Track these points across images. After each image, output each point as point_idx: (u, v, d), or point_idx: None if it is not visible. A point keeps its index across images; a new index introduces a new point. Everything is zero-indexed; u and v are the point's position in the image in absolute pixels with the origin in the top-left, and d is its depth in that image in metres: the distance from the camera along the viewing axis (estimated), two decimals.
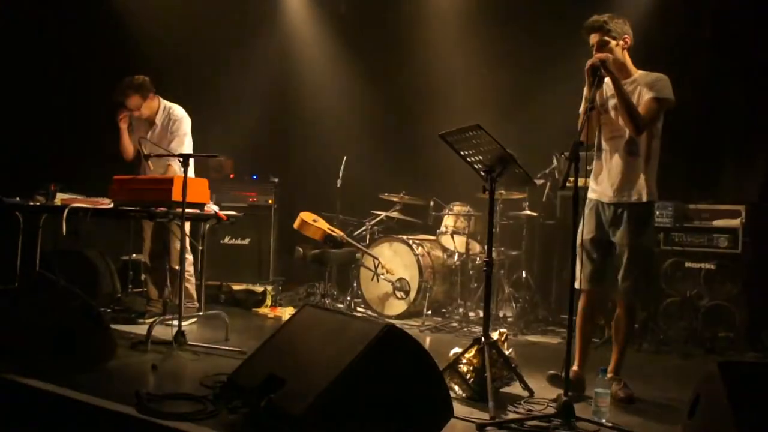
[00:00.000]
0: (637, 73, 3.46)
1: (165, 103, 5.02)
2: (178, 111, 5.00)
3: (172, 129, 4.94)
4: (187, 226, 4.85)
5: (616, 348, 3.55)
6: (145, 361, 3.73)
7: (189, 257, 4.92)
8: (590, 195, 3.54)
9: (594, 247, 3.53)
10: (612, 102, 3.47)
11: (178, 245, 4.65)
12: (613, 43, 3.40)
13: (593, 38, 3.42)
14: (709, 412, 2.17)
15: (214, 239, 6.07)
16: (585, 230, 3.45)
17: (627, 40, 3.44)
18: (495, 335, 3.48)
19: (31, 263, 4.82)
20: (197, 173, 5.02)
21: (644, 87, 3.39)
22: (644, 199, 3.43)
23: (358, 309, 5.93)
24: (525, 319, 5.43)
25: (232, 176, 6.71)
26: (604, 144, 3.53)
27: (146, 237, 5.13)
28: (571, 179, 2.99)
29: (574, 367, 3.46)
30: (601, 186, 3.53)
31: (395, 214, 6.25)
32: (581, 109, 3.45)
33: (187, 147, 4.93)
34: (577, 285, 3.53)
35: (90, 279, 5.41)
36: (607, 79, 3.40)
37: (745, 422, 1.98)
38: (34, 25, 6.37)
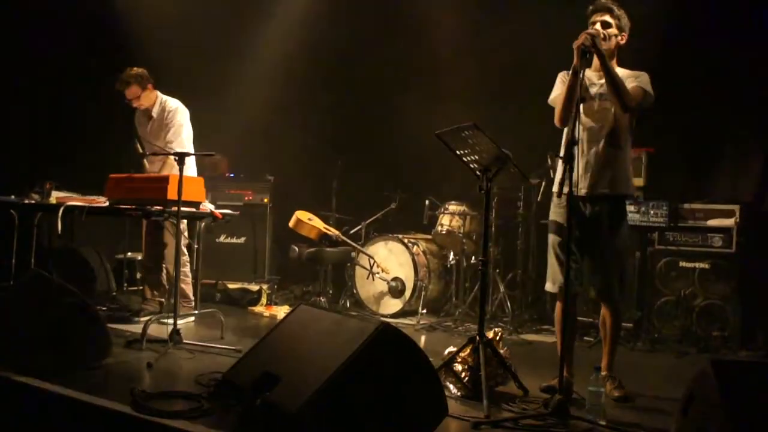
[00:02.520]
0: (619, 69, 3.41)
1: (162, 96, 5.10)
2: (172, 103, 5.07)
3: (166, 120, 5.01)
4: (183, 225, 4.85)
5: (605, 347, 3.56)
6: (140, 359, 3.72)
7: (184, 257, 4.92)
8: (564, 189, 3.15)
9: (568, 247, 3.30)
10: (594, 90, 3.43)
11: (172, 245, 4.66)
12: (615, 31, 3.37)
13: (598, 16, 3.38)
14: (702, 410, 2.18)
15: (209, 238, 6.07)
16: (557, 231, 3.42)
17: (624, 36, 3.43)
18: (490, 334, 3.49)
19: (26, 261, 4.82)
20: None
21: (627, 78, 3.36)
22: (622, 191, 3.40)
23: (353, 308, 5.94)
24: (520, 319, 5.45)
25: (229, 174, 6.71)
26: (580, 134, 3.38)
27: (144, 236, 5.14)
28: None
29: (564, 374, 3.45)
30: (574, 178, 3.27)
31: (391, 213, 6.26)
32: (559, 96, 3.38)
33: (185, 137, 5.00)
34: (551, 288, 3.52)
35: (86, 277, 5.40)
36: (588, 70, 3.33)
37: (738, 420, 1.99)
38: (30, 21, 6.35)
